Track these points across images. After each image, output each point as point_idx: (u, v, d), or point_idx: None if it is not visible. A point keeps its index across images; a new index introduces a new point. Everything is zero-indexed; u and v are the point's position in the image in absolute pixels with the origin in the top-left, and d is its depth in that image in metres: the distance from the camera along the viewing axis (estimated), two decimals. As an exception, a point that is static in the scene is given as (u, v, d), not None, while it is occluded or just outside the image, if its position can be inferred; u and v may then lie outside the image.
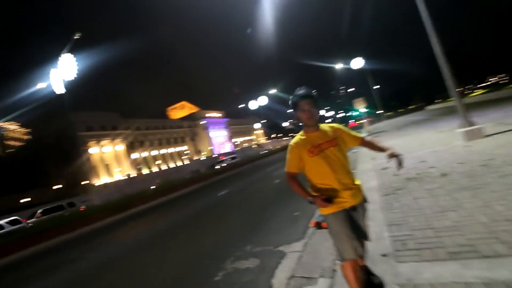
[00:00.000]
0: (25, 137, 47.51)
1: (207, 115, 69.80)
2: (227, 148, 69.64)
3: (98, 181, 38.00)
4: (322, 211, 1.75)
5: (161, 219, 10.06)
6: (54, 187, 33.50)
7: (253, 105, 52.65)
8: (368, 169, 6.35)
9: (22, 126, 48.08)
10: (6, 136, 46.32)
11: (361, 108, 25.75)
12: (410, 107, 74.33)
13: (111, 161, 43.93)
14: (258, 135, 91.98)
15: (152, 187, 18.72)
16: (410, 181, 4.34)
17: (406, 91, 79.01)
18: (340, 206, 1.70)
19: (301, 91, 1.78)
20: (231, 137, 75.34)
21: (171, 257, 4.70)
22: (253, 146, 70.55)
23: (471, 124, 6.29)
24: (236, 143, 75.70)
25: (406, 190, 3.92)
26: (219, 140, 70.34)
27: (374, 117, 50.40)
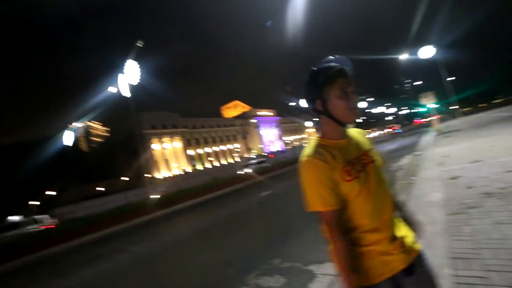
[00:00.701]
0: (105, 134, 55.09)
1: (258, 113, 70.67)
2: (278, 146, 69.50)
3: (158, 175, 41.88)
4: None
5: (204, 216, 10.32)
6: (122, 178, 37.98)
7: (304, 103, 51.11)
8: (432, 178, 5.30)
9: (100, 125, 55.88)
10: (91, 134, 54.42)
11: (429, 103, 22.57)
12: (495, 101, 62.71)
13: (170, 157, 47.97)
14: (310, 133, 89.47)
15: (202, 184, 19.54)
16: (490, 197, 3.34)
17: (493, 81, 66.72)
18: (389, 269, 0.92)
19: (336, 62, 0.98)
20: (281, 135, 74.92)
21: (200, 261, 4.62)
22: (304, 145, 68.72)
23: None
24: (287, 142, 74.94)
25: (483, 210, 3.00)
26: (270, 138, 70.62)
27: (446, 114, 43.97)
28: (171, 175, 40.34)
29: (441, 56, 27.47)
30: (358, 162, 0.95)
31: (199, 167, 49.47)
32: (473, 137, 10.31)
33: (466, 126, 16.85)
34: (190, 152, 52.35)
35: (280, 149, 65.36)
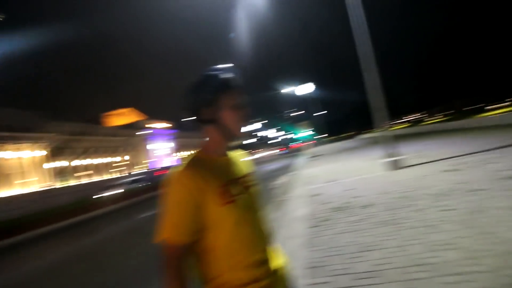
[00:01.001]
0: None
1: (152, 125, 65.47)
2: (169, 162, 65.71)
3: (7, 191, 31.36)
4: None
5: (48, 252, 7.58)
6: None
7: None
8: (300, 195, 6.21)
9: None
10: None
11: (305, 131, 27.05)
12: (346, 134, 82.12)
13: (29, 168, 37.15)
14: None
15: (66, 203, 15.62)
16: (337, 211, 4.20)
17: (345, 119, 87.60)
18: None
19: (230, 71, 0.88)
20: (178, 150, 71.63)
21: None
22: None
23: (393, 155, 6.74)
24: (185, 157, 72.06)
25: (331, 222, 3.72)
26: (162, 153, 66.12)
27: (317, 140, 53.86)
28: (26, 192, 30.94)
29: (317, 93, 33.92)
30: (237, 185, 0.84)
31: (69, 182, 40.25)
32: (331, 161, 12.96)
33: (329, 152, 21.07)
34: (56, 163, 42.20)
35: (173, 165, 61.91)
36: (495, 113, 13.97)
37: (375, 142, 19.85)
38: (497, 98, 20.65)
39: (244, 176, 0.91)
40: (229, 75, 0.86)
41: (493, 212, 2.82)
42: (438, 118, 25.25)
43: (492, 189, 3.54)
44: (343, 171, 8.48)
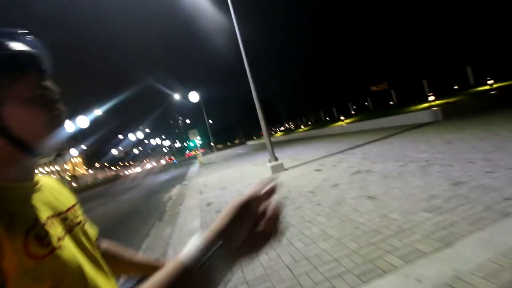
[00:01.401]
0: None
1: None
2: None
3: None
4: None
5: None
6: None
7: (69, 126, 42.15)
8: (193, 206, 5.96)
9: None
10: None
11: (195, 139, 26.72)
12: (235, 141, 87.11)
13: None
14: (76, 164, 73.98)
15: None
16: (230, 218, 4.23)
17: (233, 127, 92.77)
18: None
19: (21, 40, 0.52)
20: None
21: None
22: (66, 178, 55.36)
23: (276, 159, 7.54)
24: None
25: (226, 230, 3.70)
26: None
27: (207, 149, 54.28)
28: None
29: (205, 101, 34.10)
30: (58, 224, 0.53)
31: None
32: (222, 168, 13.27)
33: (219, 160, 21.56)
34: None
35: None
36: (344, 122, 18.15)
37: (260, 148, 21.85)
38: (347, 111, 27.34)
39: (67, 210, 0.59)
40: (19, 46, 0.51)
41: (350, 201, 3.53)
42: (306, 127, 30.69)
43: (346, 183, 4.47)
44: (234, 177, 8.79)
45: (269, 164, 7.47)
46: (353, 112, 27.15)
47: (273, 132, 57.61)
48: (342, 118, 20.49)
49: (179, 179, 14.59)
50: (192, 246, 0.36)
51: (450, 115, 9.40)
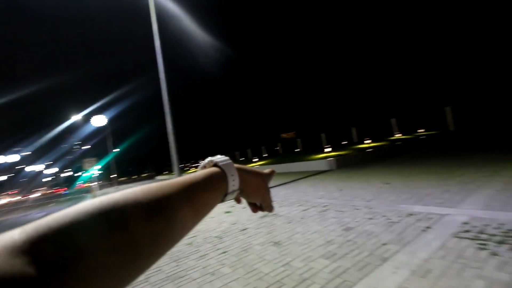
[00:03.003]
0: None
1: None
2: None
3: None
4: None
5: None
6: None
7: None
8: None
9: None
10: None
11: (92, 169, 22.84)
12: (143, 174, 79.14)
13: None
14: None
15: None
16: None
17: (143, 159, 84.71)
18: None
19: None
20: None
21: None
22: None
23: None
24: None
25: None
26: None
27: (106, 181, 47.06)
28: None
29: (109, 130, 30.34)
30: None
31: None
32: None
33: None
34: None
35: None
36: (257, 164, 19.06)
37: (170, 184, 20.31)
38: (260, 154, 29.11)
39: None
40: None
41: (256, 248, 3.43)
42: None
43: (254, 227, 4.42)
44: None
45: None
46: (265, 155, 29.14)
47: (188, 168, 55.37)
48: (255, 159, 21.58)
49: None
50: (225, 160, 0.45)
51: (342, 165, 11.12)
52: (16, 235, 0.20)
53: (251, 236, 3.97)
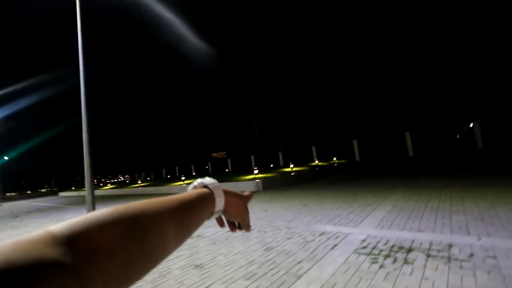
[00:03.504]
0: None
1: None
2: None
3: None
4: None
5: None
6: None
7: None
8: None
9: None
10: None
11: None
12: (43, 190, 65.76)
13: None
14: None
15: None
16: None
17: (42, 171, 70.61)
18: None
19: None
20: None
21: None
22: None
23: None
24: None
25: None
26: None
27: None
28: None
29: None
30: None
31: None
32: (5, 226, 9.21)
33: (3, 214, 15.07)
34: None
35: None
36: (185, 182, 18.22)
37: (79, 201, 17.43)
38: (189, 172, 27.98)
39: None
40: None
41: (176, 273, 3.24)
42: (144, 182, 28.35)
43: (176, 250, 4.18)
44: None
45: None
46: (194, 173, 28.24)
47: (102, 184, 48.78)
48: (183, 178, 20.65)
49: None
50: (214, 183, 0.51)
51: (267, 187, 11.69)
52: (54, 229, 0.25)
53: (171, 260, 3.74)
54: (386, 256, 3.02)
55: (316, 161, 23.10)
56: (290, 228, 4.69)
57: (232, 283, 2.79)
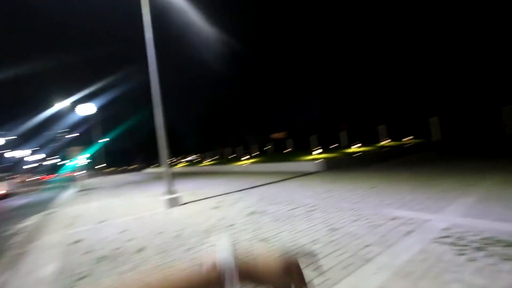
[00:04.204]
0: None
1: None
2: None
3: None
4: None
5: None
6: None
7: None
8: (54, 243, 4.61)
9: None
10: None
11: (78, 158, 22.29)
12: (132, 166, 77.86)
13: None
14: None
15: None
16: (102, 261, 3.43)
17: (132, 151, 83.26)
18: None
19: None
20: None
21: None
22: None
23: (173, 192, 6.96)
24: None
25: (93, 278, 2.93)
26: None
27: (92, 171, 46.06)
28: None
29: (98, 119, 29.64)
30: None
31: None
32: (107, 196, 11.30)
33: (107, 185, 18.46)
34: None
35: None
36: (247, 162, 19.06)
37: (160, 177, 20.10)
38: (251, 152, 29.18)
39: None
40: None
41: (243, 243, 3.47)
42: (211, 161, 30.78)
43: (242, 224, 4.46)
44: (119, 209, 7.53)
45: (164, 197, 6.80)
46: (256, 153, 29.19)
47: (176, 162, 54.83)
48: (246, 157, 21.58)
49: (42, 205, 11.43)
50: (228, 261, 0.42)
51: (331, 168, 11.28)
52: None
53: (238, 232, 4.00)
54: (478, 249, 2.60)
55: (386, 141, 21.11)
56: (356, 211, 4.46)
57: (296, 259, 2.83)
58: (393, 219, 3.80)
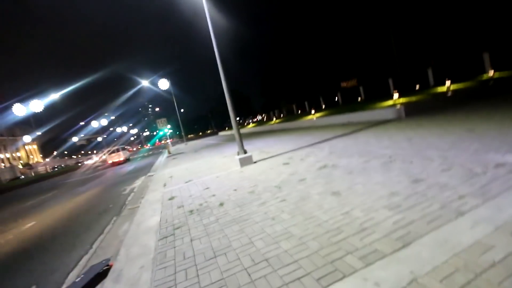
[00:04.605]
0: None
1: None
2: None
3: None
4: None
5: None
6: None
7: (20, 110, 38.30)
8: (155, 200, 5.60)
9: None
10: None
11: (164, 128, 25.62)
12: (208, 131, 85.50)
13: None
14: (30, 151, 67.62)
15: None
16: (192, 214, 4.00)
17: (206, 117, 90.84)
18: None
19: None
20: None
21: None
22: (19, 166, 50.16)
23: (245, 151, 7.36)
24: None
25: (186, 228, 3.46)
26: None
27: (177, 138, 52.64)
28: None
29: (176, 91, 32.67)
30: None
31: None
32: (191, 159, 12.82)
33: (188, 150, 20.91)
34: None
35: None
36: (315, 116, 18.42)
37: (233, 139, 21.55)
38: (318, 105, 27.97)
39: None
40: None
41: (315, 197, 3.47)
42: (278, 119, 30.96)
43: (313, 178, 4.44)
44: (201, 169, 8.48)
45: (237, 157, 7.28)
46: (323, 106, 27.79)
47: (245, 123, 57.35)
48: (313, 111, 20.83)
49: (145, 170, 13.87)
50: None
51: (412, 113, 9.89)
52: None
53: (309, 186, 4.01)
54: None
55: (491, 72, 16.91)
56: (446, 159, 3.85)
57: (372, 211, 2.69)
58: (499, 165, 3.14)
